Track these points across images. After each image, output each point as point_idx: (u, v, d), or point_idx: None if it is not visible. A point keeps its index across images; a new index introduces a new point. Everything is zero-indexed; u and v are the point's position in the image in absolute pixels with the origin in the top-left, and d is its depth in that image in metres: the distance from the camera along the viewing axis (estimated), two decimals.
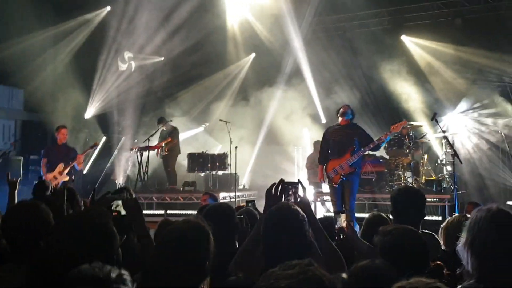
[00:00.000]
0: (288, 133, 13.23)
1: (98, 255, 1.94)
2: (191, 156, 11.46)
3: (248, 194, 11.79)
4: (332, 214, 9.09)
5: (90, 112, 13.15)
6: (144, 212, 10.28)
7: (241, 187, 12.15)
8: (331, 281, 1.45)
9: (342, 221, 3.03)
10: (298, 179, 2.95)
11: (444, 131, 8.16)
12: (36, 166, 10.64)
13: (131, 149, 11.44)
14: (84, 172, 12.32)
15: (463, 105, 12.01)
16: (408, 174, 10.04)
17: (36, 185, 5.63)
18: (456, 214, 3.76)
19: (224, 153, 11.50)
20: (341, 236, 2.99)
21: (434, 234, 3.59)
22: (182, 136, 12.08)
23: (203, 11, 13.01)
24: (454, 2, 12.69)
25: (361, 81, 13.03)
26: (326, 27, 14.19)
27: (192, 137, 13.80)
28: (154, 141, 11.13)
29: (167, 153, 10.88)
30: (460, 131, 11.78)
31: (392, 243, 2.31)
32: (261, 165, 13.13)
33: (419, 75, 12.61)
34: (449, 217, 3.83)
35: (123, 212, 2.86)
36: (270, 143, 13.54)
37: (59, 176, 8.53)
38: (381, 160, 10.10)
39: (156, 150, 10.98)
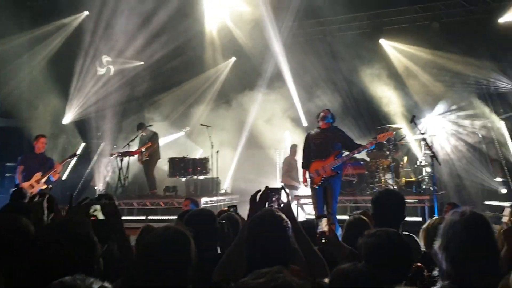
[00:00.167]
0: (269, 136, 13.24)
1: (79, 265, 1.93)
2: (172, 161, 11.39)
3: (230, 198, 11.77)
4: (311, 217, 9.19)
5: (68, 117, 12.97)
6: (125, 218, 10.24)
7: (222, 191, 12.10)
8: (301, 286, 1.45)
9: (323, 225, 3.03)
10: (282, 185, 2.94)
11: (422, 133, 8.28)
12: (12, 173, 10.43)
13: (111, 155, 11.31)
14: (63, 178, 12.15)
15: (441, 107, 12.17)
16: (388, 175, 10.14)
17: (14, 192, 5.55)
18: (437, 217, 3.81)
19: (205, 157, 11.46)
20: (323, 241, 2.99)
21: (414, 236, 3.63)
22: (163, 141, 12.00)
23: (183, 15, 12.97)
24: (432, 6, 12.85)
25: (341, 84, 13.10)
26: (306, 31, 14.25)
27: (173, 142, 13.72)
28: (134, 147, 11.04)
29: (147, 158, 10.80)
30: (438, 133, 11.93)
31: (377, 247, 2.32)
32: (242, 169, 13.11)
33: (398, 79, 12.75)
34: (430, 219, 3.89)
35: (101, 217, 2.83)
36: (251, 147, 13.53)
37: (36, 184, 8.42)
38: (361, 163, 10.21)
39: (136, 155, 10.89)
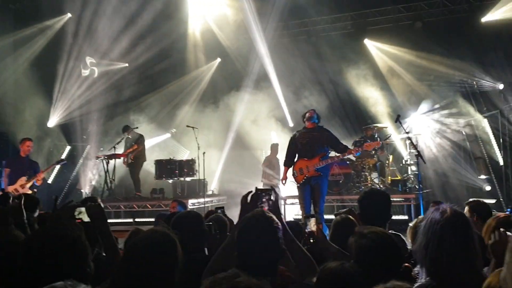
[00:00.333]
0: (256, 137, 13.25)
1: (73, 269, 1.93)
2: (158, 163, 11.35)
3: (217, 199, 11.76)
4: (295, 216, 9.22)
5: (53, 120, 12.84)
6: (112, 220, 10.15)
7: (210, 192, 12.10)
8: (260, 286, 1.46)
9: (311, 225, 3.04)
10: (271, 186, 2.95)
11: (407, 132, 8.34)
12: None
13: (97, 158, 11.24)
14: (49, 182, 12.04)
15: (425, 106, 12.28)
16: (374, 175, 10.22)
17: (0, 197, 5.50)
18: (423, 215, 3.84)
19: (192, 159, 11.44)
20: (311, 240, 3.00)
21: (400, 235, 3.66)
22: (149, 143, 11.94)
23: (167, 17, 12.94)
24: (414, 6, 12.98)
25: (327, 84, 13.15)
26: (290, 32, 14.29)
27: (159, 144, 13.67)
28: (119, 150, 10.98)
29: (132, 160, 10.76)
30: (423, 131, 12.04)
31: (369, 249, 2.34)
32: (229, 170, 13.11)
33: (382, 78, 12.84)
34: (417, 218, 3.94)
35: (86, 219, 2.82)
36: (237, 148, 13.52)
37: (20, 189, 8.34)
38: (347, 162, 10.26)
39: (122, 158, 10.84)
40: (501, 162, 11.23)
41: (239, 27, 13.43)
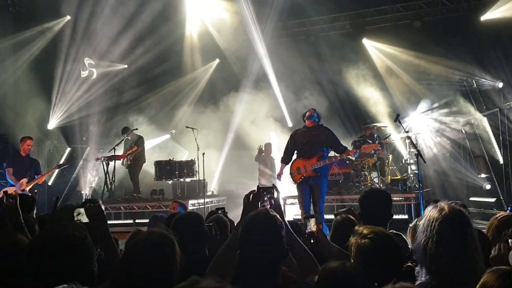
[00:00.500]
0: (255, 137, 13.24)
1: (79, 270, 1.93)
2: (158, 164, 11.35)
3: (217, 200, 11.77)
4: (294, 216, 9.20)
5: (53, 122, 12.82)
6: (113, 222, 10.16)
7: (209, 193, 12.09)
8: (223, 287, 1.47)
9: (312, 225, 3.03)
10: (273, 184, 2.94)
11: (407, 131, 8.34)
12: None
13: (97, 159, 11.24)
14: (49, 183, 12.03)
15: (424, 105, 12.28)
16: (374, 174, 10.21)
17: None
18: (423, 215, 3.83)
19: (191, 159, 11.44)
20: (312, 241, 3.00)
21: (401, 234, 3.66)
22: (149, 144, 11.94)
23: (165, 19, 12.95)
24: (413, 5, 12.98)
25: (326, 83, 13.16)
26: (289, 32, 14.30)
27: (158, 145, 13.66)
28: (119, 151, 10.97)
29: (132, 162, 10.76)
30: (423, 130, 12.04)
31: (370, 250, 2.33)
32: (229, 170, 13.11)
33: (381, 78, 12.84)
34: (417, 217, 3.92)
35: (85, 220, 2.82)
36: (237, 148, 13.53)
37: (21, 192, 8.33)
38: (347, 162, 10.25)
39: (122, 159, 10.84)
40: (501, 161, 11.20)
41: (237, 29, 13.44)
